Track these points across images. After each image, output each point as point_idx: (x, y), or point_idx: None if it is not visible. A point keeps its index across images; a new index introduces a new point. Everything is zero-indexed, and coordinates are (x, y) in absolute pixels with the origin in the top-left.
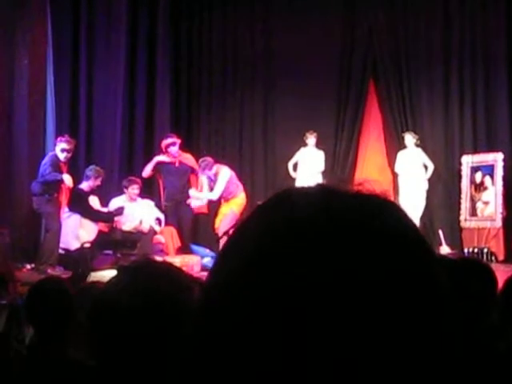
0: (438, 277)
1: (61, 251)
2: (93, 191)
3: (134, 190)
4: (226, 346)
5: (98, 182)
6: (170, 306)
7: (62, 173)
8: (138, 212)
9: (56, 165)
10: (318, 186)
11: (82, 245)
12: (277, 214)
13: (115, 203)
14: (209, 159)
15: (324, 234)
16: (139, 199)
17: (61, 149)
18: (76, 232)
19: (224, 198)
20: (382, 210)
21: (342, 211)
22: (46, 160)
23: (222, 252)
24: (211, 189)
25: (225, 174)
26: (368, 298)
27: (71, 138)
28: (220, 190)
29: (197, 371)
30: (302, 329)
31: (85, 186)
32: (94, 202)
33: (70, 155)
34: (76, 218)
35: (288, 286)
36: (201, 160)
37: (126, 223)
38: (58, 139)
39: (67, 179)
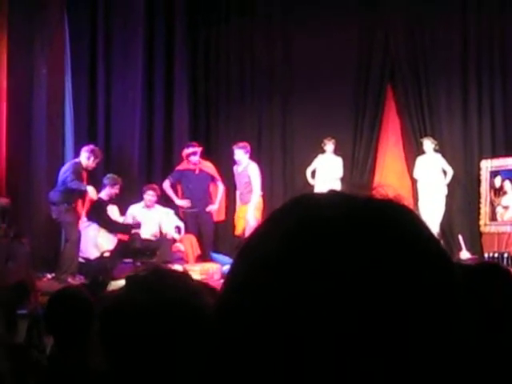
0: (452, 281)
1: (81, 260)
2: (111, 200)
3: (150, 196)
4: (243, 351)
5: (116, 190)
6: (178, 313)
7: (83, 181)
8: (154, 219)
9: (78, 172)
10: (332, 191)
11: (102, 254)
12: (294, 218)
13: (132, 210)
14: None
15: (342, 238)
16: (157, 206)
17: (87, 156)
18: (95, 241)
19: (242, 200)
20: (398, 215)
21: (359, 216)
22: (68, 167)
23: (239, 256)
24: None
25: (256, 169)
26: (384, 302)
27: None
28: (259, 185)
29: (213, 376)
30: (323, 333)
31: (103, 194)
32: (113, 210)
33: (95, 164)
34: (95, 227)
35: (306, 291)
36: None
37: (143, 230)
38: (87, 148)
39: (91, 191)
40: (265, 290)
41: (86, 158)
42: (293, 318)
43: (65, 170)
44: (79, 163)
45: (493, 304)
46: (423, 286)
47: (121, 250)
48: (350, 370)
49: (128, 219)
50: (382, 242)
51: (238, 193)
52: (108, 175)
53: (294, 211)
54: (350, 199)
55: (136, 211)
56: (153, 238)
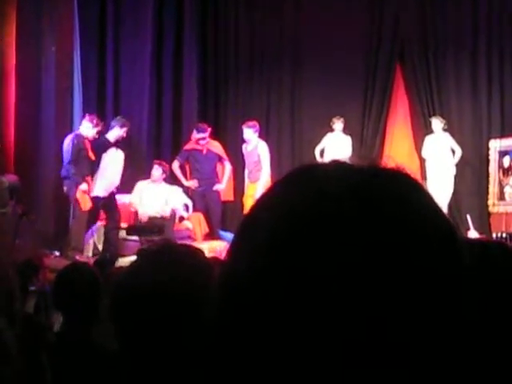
0: (460, 258)
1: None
2: (117, 143)
3: (156, 170)
4: (247, 330)
5: (124, 133)
6: (191, 289)
7: (87, 152)
8: (161, 194)
9: (78, 145)
10: (337, 162)
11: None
12: (299, 193)
13: (139, 186)
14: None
15: (348, 217)
16: (164, 184)
17: (87, 126)
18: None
19: (251, 178)
20: (405, 189)
21: (365, 190)
22: (68, 141)
23: (242, 231)
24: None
25: (266, 147)
26: (391, 282)
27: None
28: (269, 164)
29: (217, 354)
30: (328, 315)
31: (110, 135)
32: (119, 156)
33: (96, 133)
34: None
35: (311, 273)
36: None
37: (150, 205)
38: (87, 118)
39: (84, 188)
40: (268, 273)
41: (86, 127)
42: (295, 301)
43: (67, 144)
44: (79, 135)
45: (497, 283)
46: (431, 264)
47: (128, 228)
48: (357, 351)
49: (135, 195)
50: (389, 220)
51: (246, 171)
52: (117, 117)
53: (298, 184)
54: (356, 172)
55: (143, 186)
56: (158, 216)
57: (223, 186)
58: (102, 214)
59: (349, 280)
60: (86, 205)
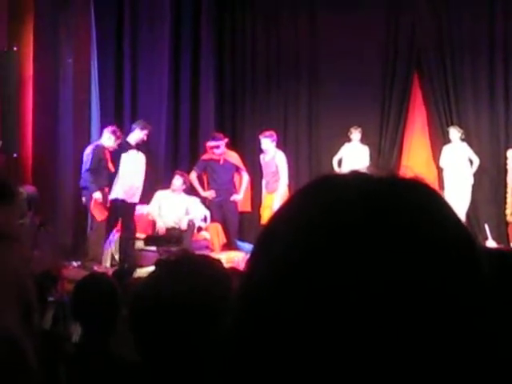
0: (479, 268)
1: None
2: (138, 145)
3: (178, 180)
4: (267, 341)
5: (144, 137)
6: (209, 300)
7: (107, 162)
8: (181, 204)
9: (99, 156)
10: (355, 172)
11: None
12: (316, 202)
13: (158, 196)
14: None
15: (368, 224)
16: (183, 194)
17: (108, 137)
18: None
19: (269, 189)
20: (423, 200)
21: (382, 202)
22: (89, 151)
23: (260, 243)
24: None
25: (284, 157)
26: (414, 291)
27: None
28: (286, 174)
29: (236, 365)
30: (349, 323)
31: (131, 139)
32: (140, 158)
33: (117, 145)
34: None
35: (329, 280)
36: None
37: (169, 215)
38: (109, 129)
39: (98, 196)
40: (287, 285)
41: (107, 138)
42: (314, 313)
43: (87, 154)
44: (100, 146)
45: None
46: (450, 273)
47: (147, 238)
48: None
49: (154, 205)
50: (408, 230)
51: (263, 182)
52: (138, 120)
53: (316, 195)
54: (375, 182)
55: (162, 196)
56: (177, 226)
57: (241, 197)
58: (119, 224)
59: (368, 291)
60: (100, 215)
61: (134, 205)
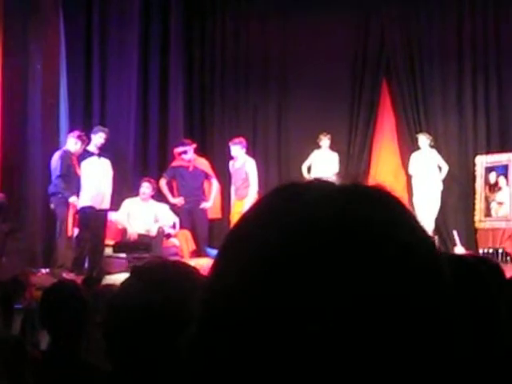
0: (440, 275)
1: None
2: (100, 151)
3: (145, 188)
4: (229, 353)
5: (102, 140)
6: (186, 308)
7: (75, 168)
8: (150, 212)
9: (67, 161)
10: (317, 180)
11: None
12: (278, 210)
13: (126, 204)
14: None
15: (329, 235)
16: (152, 201)
17: (74, 142)
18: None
19: (238, 196)
20: (384, 207)
21: (340, 210)
22: (57, 157)
23: (225, 247)
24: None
25: (254, 164)
26: (370, 306)
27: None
28: (256, 181)
29: (200, 375)
30: (313, 333)
31: (90, 146)
32: (103, 164)
33: (82, 149)
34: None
35: (294, 285)
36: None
37: (138, 224)
38: (73, 134)
39: (74, 200)
40: (252, 290)
41: (73, 143)
42: (278, 322)
43: (55, 160)
44: (67, 151)
45: (478, 299)
46: (410, 283)
47: (116, 245)
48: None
49: (122, 213)
50: (367, 242)
51: (233, 188)
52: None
53: (278, 204)
54: (337, 191)
55: (131, 204)
56: (146, 233)
57: (210, 204)
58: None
59: (333, 302)
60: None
61: (104, 211)
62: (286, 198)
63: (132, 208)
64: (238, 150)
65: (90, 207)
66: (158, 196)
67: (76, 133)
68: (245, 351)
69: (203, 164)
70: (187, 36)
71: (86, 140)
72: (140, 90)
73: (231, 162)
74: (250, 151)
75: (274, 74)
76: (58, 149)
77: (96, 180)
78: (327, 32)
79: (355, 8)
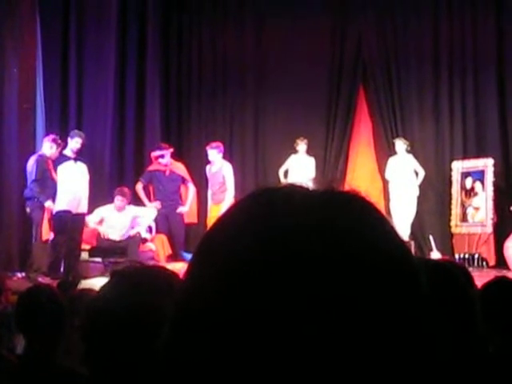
0: (415, 279)
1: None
2: (76, 155)
3: (119, 201)
4: (196, 360)
5: (78, 144)
6: (164, 311)
7: (51, 172)
8: (124, 222)
9: (43, 165)
10: (291, 186)
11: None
12: (259, 217)
13: (102, 212)
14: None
15: (295, 242)
16: (128, 208)
17: (50, 146)
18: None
19: (215, 200)
20: (358, 213)
21: (314, 215)
22: (32, 162)
23: (199, 251)
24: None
25: (231, 169)
26: (345, 312)
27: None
28: (233, 185)
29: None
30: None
31: (66, 150)
32: (79, 168)
33: (58, 153)
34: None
35: (264, 291)
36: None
37: (112, 232)
38: (49, 138)
39: (49, 204)
40: (223, 295)
41: (48, 147)
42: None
43: (31, 165)
44: (43, 155)
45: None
46: (384, 289)
47: (91, 249)
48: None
49: (95, 215)
50: (339, 247)
51: (209, 192)
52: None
53: (251, 210)
54: (310, 196)
55: (106, 211)
56: (120, 239)
57: (187, 209)
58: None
59: (305, 307)
60: (47, 229)
61: (81, 215)
62: (261, 203)
63: (107, 215)
64: (214, 154)
65: (66, 211)
66: (135, 200)
67: (51, 136)
68: (217, 352)
69: (180, 168)
70: (164, 41)
71: (62, 144)
72: (117, 94)
73: (208, 167)
74: (227, 156)
75: (251, 79)
76: (34, 153)
77: (72, 184)
78: (304, 37)
79: (332, 14)
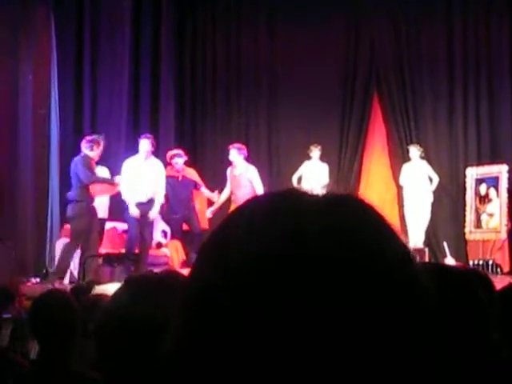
0: (418, 287)
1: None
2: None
3: (146, 144)
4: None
5: (99, 152)
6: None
7: (94, 174)
8: (148, 174)
9: (88, 165)
10: (290, 190)
11: None
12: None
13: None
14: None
15: (293, 246)
16: (153, 158)
17: (89, 147)
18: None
19: (233, 200)
20: (356, 217)
21: (311, 221)
22: (77, 163)
23: (204, 250)
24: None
25: (256, 172)
26: (345, 320)
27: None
28: (262, 188)
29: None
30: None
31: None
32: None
33: (99, 155)
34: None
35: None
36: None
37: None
38: (87, 139)
39: (119, 179)
40: (225, 298)
41: (88, 150)
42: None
43: (75, 167)
44: (86, 156)
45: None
46: (383, 292)
47: (105, 255)
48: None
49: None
50: (334, 253)
51: (236, 194)
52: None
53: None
54: (305, 202)
55: (130, 165)
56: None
57: (214, 209)
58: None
59: (307, 314)
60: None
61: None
62: (263, 209)
63: (132, 170)
64: (235, 154)
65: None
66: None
67: (87, 138)
68: (218, 354)
69: (192, 174)
70: (178, 44)
71: (101, 143)
72: (131, 98)
73: (229, 169)
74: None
75: (265, 86)
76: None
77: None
78: (318, 43)
79: (345, 18)
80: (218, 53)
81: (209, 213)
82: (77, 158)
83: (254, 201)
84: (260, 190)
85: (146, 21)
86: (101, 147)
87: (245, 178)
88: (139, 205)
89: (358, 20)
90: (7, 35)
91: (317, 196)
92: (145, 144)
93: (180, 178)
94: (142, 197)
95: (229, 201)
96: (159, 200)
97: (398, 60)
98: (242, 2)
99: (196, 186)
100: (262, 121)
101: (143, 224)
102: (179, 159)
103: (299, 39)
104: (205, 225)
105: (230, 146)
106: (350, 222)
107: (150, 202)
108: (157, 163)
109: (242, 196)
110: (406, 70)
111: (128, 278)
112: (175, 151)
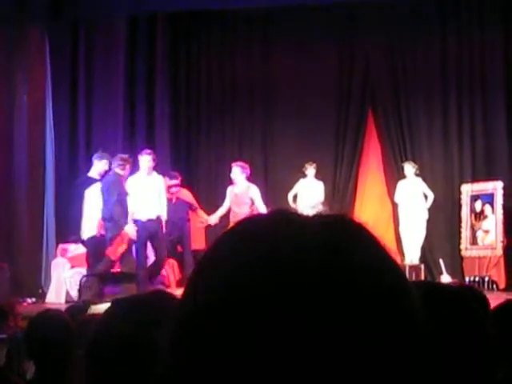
0: (410, 307)
1: None
2: (102, 178)
3: (148, 161)
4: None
5: (105, 166)
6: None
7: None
8: (152, 188)
9: (120, 183)
10: (280, 211)
11: None
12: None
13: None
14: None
15: (284, 267)
16: (153, 174)
17: (120, 166)
18: None
19: (234, 217)
20: (349, 238)
21: (301, 243)
22: (109, 182)
23: (198, 269)
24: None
25: (258, 191)
26: (338, 339)
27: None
28: (264, 206)
29: None
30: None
31: (93, 173)
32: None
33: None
34: None
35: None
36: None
37: (144, 205)
38: (117, 158)
39: (130, 230)
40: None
41: (120, 168)
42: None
43: (107, 187)
44: (116, 174)
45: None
46: (375, 313)
47: (101, 275)
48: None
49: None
50: (324, 273)
51: (235, 212)
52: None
53: (242, 245)
54: (297, 223)
55: (133, 182)
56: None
57: (215, 219)
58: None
59: (303, 332)
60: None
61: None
62: (249, 231)
63: (134, 187)
64: (237, 172)
65: (96, 236)
66: None
67: (118, 156)
68: (213, 372)
69: (186, 195)
70: (173, 66)
71: (129, 160)
72: (126, 120)
73: (230, 188)
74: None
75: (260, 104)
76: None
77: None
78: (312, 61)
79: (340, 38)
80: (213, 75)
81: (208, 220)
82: (108, 177)
83: (245, 223)
84: (262, 208)
85: (141, 43)
86: (129, 165)
87: (246, 196)
88: (149, 221)
89: (353, 39)
90: (2, 57)
91: (311, 218)
92: (146, 160)
93: (174, 201)
94: (151, 213)
95: (227, 218)
96: (164, 216)
97: (392, 78)
98: (237, 23)
99: (191, 207)
100: (256, 139)
101: (155, 240)
102: (175, 189)
103: (293, 58)
104: (201, 244)
105: (233, 164)
106: (345, 243)
107: (159, 218)
108: (159, 179)
109: (242, 214)
110: (401, 87)
111: (115, 299)
112: (174, 181)
